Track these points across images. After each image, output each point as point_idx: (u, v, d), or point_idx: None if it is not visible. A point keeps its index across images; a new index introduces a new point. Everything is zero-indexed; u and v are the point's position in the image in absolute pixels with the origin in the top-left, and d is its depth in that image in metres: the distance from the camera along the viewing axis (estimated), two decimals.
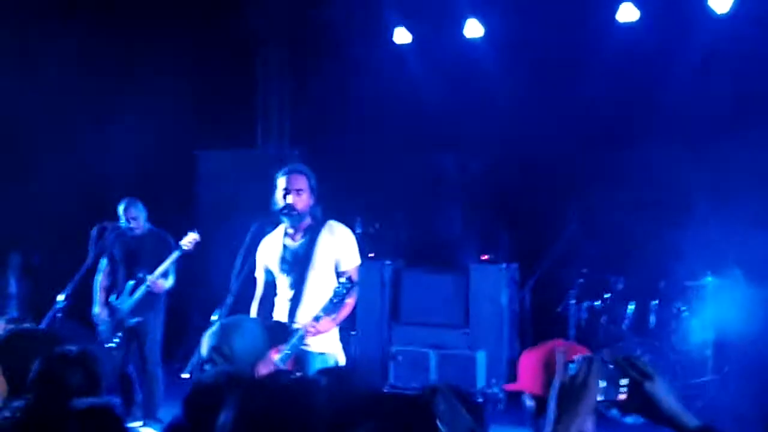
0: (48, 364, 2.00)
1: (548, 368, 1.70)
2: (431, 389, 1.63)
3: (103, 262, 5.17)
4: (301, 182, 3.62)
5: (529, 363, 1.81)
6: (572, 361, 1.62)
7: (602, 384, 1.62)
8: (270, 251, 3.73)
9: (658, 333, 5.57)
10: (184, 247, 4.94)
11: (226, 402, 1.03)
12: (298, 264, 3.63)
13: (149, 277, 4.92)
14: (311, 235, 3.64)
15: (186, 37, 7.07)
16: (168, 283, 5.10)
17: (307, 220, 3.67)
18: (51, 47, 6.97)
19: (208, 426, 1.38)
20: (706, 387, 5.41)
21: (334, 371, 1.58)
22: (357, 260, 3.69)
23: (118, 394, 5.13)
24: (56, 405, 1.58)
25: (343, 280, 3.49)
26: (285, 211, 3.61)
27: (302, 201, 3.62)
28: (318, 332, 3.47)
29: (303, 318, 3.54)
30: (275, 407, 1.00)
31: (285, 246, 3.69)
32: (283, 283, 3.68)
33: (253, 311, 3.73)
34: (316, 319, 3.44)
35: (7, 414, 1.49)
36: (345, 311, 3.57)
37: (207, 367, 2.38)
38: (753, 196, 5.58)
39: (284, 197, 3.63)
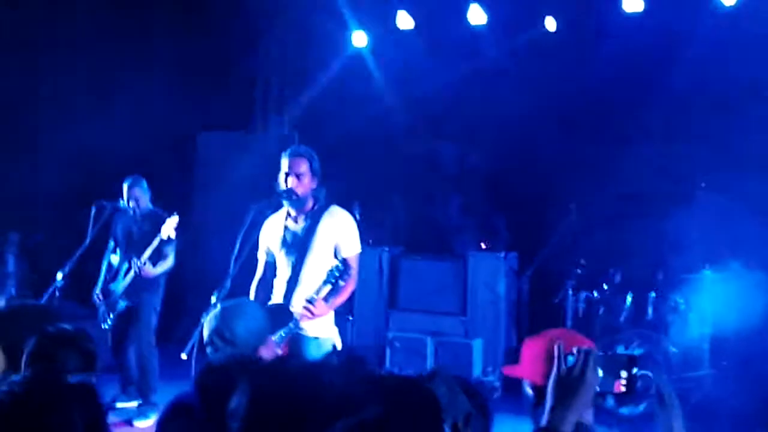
0: (42, 342, 1.99)
1: (549, 358, 1.69)
2: (430, 372, 1.63)
3: (111, 244, 5.16)
4: (303, 165, 3.59)
5: (532, 351, 1.80)
6: (571, 353, 1.62)
7: (600, 374, 1.61)
8: (272, 232, 3.71)
9: (656, 325, 5.57)
10: (165, 236, 4.88)
11: (238, 386, 1.01)
12: (297, 246, 3.62)
13: (136, 262, 4.88)
14: (313, 218, 3.62)
15: (187, 19, 7.02)
16: (164, 266, 5.06)
17: (310, 203, 3.65)
18: (54, 29, 6.92)
19: (219, 407, 1.37)
20: (703, 381, 5.41)
21: (344, 354, 1.57)
22: (357, 248, 3.67)
23: (115, 374, 5.13)
24: (51, 381, 1.57)
25: (336, 262, 3.47)
26: (285, 194, 3.59)
27: (303, 185, 3.60)
28: (314, 316, 3.45)
29: (298, 300, 3.53)
30: (289, 391, 0.99)
31: (286, 228, 3.68)
32: (282, 264, 3.67)
33: (252, 291, 3.72)
34: (310, 301, 3.42)
35: (4, 388, 1.49)
36: (341, 296, 3.56)
37: (208, 350, 2.38)
38: (754, 188, 5.57)
39: (285, 180, 3.60)
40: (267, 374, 1.04)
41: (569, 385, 1.54)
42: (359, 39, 7.27)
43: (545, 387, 1.64)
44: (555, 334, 1.82)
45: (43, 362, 1.93)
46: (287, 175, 3.59)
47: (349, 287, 3.58)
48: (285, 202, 3.63)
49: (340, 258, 3.58)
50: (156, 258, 5.01)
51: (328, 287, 3.48)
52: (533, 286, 6.32)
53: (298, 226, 3.63)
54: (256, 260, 3.77)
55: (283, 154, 3.64)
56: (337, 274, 3.45)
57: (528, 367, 1.80)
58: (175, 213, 5.01)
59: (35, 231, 7.43)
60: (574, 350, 1.60)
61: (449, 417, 1.50)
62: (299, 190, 3.59)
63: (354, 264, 3.61)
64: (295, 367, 1.08)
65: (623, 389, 1.65)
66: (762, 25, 5.83)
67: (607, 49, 6.31)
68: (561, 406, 1.53)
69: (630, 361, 1.67)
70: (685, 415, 5.86)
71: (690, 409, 5.31)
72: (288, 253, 3.64)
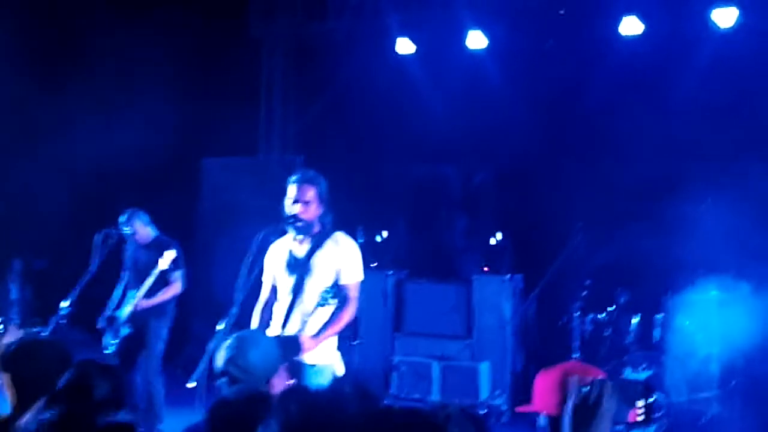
0: (81, 373, 1.98)
1: (563, 388, 1.70)
2: (445, 414, 1.61)
3: (124, 273, 5.17)
4: (310, 193, 3.57)
5: (545, 384, 1.80)
6: (586, 385, 1.61)
7: (615, 406, 1.60)
8: (277, 256, 3.70)
9: (663, 346, 5.54)
10: (162, 268, 4.90)
11: (265, 419, 1.01)
12: (298, 270, 3.60)
13: (132, 300, 4.90)
14: (316, 243, 3.61)
15: (190, 44, 7.09)
16: (170, 292, 5.05)
17: (316, 229, 3.63)
18: (59, 51, 6.99)
19: None
20: (712, 402, 5.37)
21: (353, 385, 1.56)
22: (359, 276, 3.62)
23: None
24: (84, 418, 1.56)
25: (328, 288, 3.43)
26: (291, 221, 3.58)
27: (309, 212, 3.58)
28: (305, 350, 3.41)
29: (293, 325, 3.50)
30: (314, 420, 0.99)
31: (291, 251, 3.66)
32: (283, 289, 3.65)
33: (256, 316, 3.69)
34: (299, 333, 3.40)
35: (33, 428, 1.46)
36: (335, 327, 3.50)
37: (222, 380, 2.36)
38: (760, 209, 5.58)
39: (291, 207, 3.60)
40: (292, 405, 1.03)
41: (586, 415, 1.53)
42: (360, 65, 7.35)
43: (560, 416, 1.64)
44: (567, 366, 1.82)
45: (78, 396, 1.91)
46: (294, 201, 3.58)
47: (345, 315, 3.52)
48: (290, 228, 3.62)
49: (339, 285, 3.54)
50: (160, 286, 5.00)
51: (321, 310, 3.45)
52: (539, 307, 6.29)
53: (302, 250, 3.63)
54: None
55: (289, 180, 3.63)
56: (328, 296, 3.41)
57: (541, 399, 1.79)
58: (173, 246, 5.01)
59: (39, 257, 7.43)
60: (589, 381, 1.59)
61: None
62: (305, 217, 3.57)
63: (353, 292, 3.56)
64: (318, 396, 1.07)
65: (640, 417, 1.63)
66: (758, 46, 5.89)
67: (608, 72, 6.37)
68: None
69: (646, 389, 1.66)
70: None
71: (699, 429, 5.26)
72: (289, 276, 3.63)
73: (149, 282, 4.91)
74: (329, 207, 3.64)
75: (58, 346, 2.27)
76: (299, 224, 3.57)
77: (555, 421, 1.72)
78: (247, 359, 2.35)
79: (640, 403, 1.66)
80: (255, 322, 3.67)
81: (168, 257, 4.88)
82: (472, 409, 1.75)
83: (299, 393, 1.17)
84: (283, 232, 3.71)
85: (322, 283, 3.53)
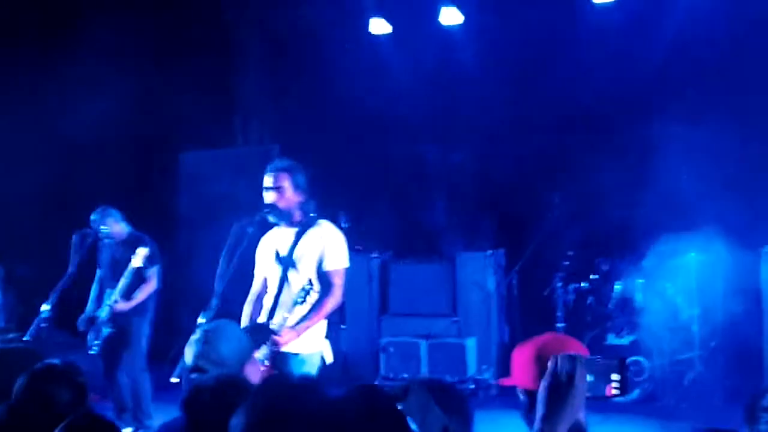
0: (31, 380, 1.96)
1: (540, 362, 1.71)
2: (404, 388, 1.63)
3: (99, 272, 5.15)
4: (282, 179, 3.57)
5: (521, 358, 1.82)
6: (557, 363, 1.63)
7: (590, 379, 1.62)
8: (266, 248, 3.71)
9: (645, 311, 5.63)
10: (135, 265, 4.88)
11: (237, 407, 1.03)
12: (284, 260, 3.60)
13: (107, 302, 4.89)
14: (299, 232, 3.61)
15: (162, 35, 7.00)
16: (146, 290, 5.01)
17: (297, 216, 3.63)
18: (26, 58, 6.88)
19: (209, 429, 1.36)
20: (694, 362, 5.48)
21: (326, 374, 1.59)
22: (343, 263, 3.62)
23: (109, 400, 5.10)
24: (45, 421, 1.56)
25: (311, 278, 3.44)
26: (267, 209, 3.58)
27: (285, 199, 3.58)
28: (281, 345, 3.41)
29: (278, 317, 3.50)
30: (287, 408, 1.00)
31: (278, 243, 3.67)
32: (272, 278, 3.67)
33: (247, 308, 3.69)
34: (276, 332, 3.41)
35: None
36: (316, 316, 3.50)
37: (193, 375, 2.36)
38: (735, 170, 5.65)
39: (266, 195, 3.60)
40: (265, 392, 1.05)
41: (558, 394, 1.55)
42: (335, 49, 7.30)
43: (534, 393, 1.67)
44: (543, 339, 1.83)
45: (35, 402, 1.90)
46: (267, 189, 3.59)
47: (327, 304, 3.52)
48: (269, 217, 3.63)
49: (322, 271, 3.55)
50: (138, 283, 4.99)
51: (300, 308, 3.46)
52: (522, 281, 6.36)
53: (288, 241, 3.63)
54: (244, 277, 3.76)
55: (265, 170, 3.64)
56: (304, 294, 3.42)
57: (519, 374, 1.81)
58: (146, 242, 4.99)
59: (20, 263, 7.36)
60: (559, 357, 1.62)
61: None
62: (281, 204, 3.57)
63: (337, 279, 3.56)
64: (291, 384, 1.09)
65: (616, 392, 1.66)
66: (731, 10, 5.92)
67: (582, 42, 6.38)
68: (551, 415, 1.54)
69: (621, 364, 1.68)
70: (678, 396, 5.94)
71: (683, 390, 5.38)
72: (276, 267, 3.64)
73: (124, 280, 4.89)
74: (309, 194, 3.63)
75: (33, 352, 2.25)
76: (275, 211, 3.57)
77: (533, 395, 1.75)
78: (218, 351, 2.34)
79: (615, 377, 1.68)
80: (245, 315, 3.68)
81: (140, 254, 4.86)
82: (437, 380, 1.77)
83: (272, 383, 1.19)
84: (262, 222, 3.71)
85: (306, 273, 3.54)
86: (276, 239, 3.68)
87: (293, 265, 3.57)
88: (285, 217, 3.61)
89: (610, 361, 1.67)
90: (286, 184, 3.58)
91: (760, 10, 5.79)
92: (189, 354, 2.41)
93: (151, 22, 6.94)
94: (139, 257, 4.86)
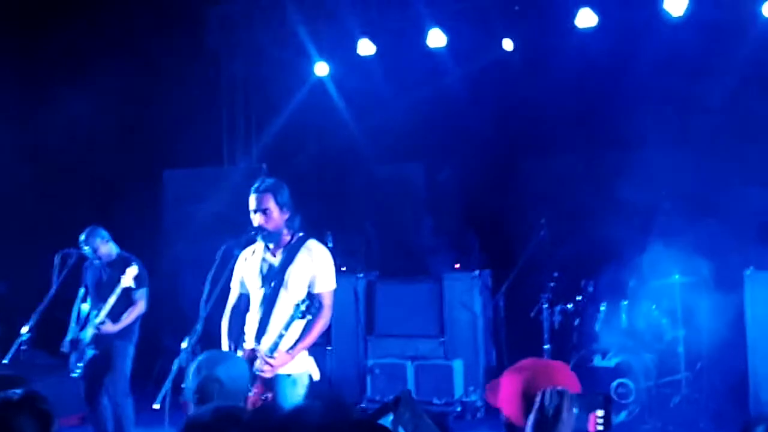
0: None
1: (526, 398, 1.71)
2: (395, 400, 1.63)
3: (81, 291, 5.07)
4: (267, 201, 3.57)
5: (509, 388, 1.81)
6: (544, 398, 1.62)
7: (575, 413, 1.62)
8: (248, 264, 3.69)
9: (630, 332, 5.64)
10: (125, 286, 4.82)
11: None
12: (272, 279, 3.59)
13: (94, 322, 4.83)
14: (290, 252, 3.61)
15: (147, 56, 7.00)
16: (135, 313, 4.95)
17: (285, 236, 3.63)
18: (10, 73, 6.84)
19: None
20: (680, 384, 5.48)
21: (326, 396, 1.57)
22: (332, 284, 3.64)
23: (90, 424, 5.01)
24: None
25: (301, 302, 3.43)
26: (256, 232, 3.57)
27: (273, 220, 3.58)
28: (275, 368, 3.42)
29: (269, 337, 3.50)
30: None
31: (264, 260, 3.66)
32: (255, 296, 3.64)
33: (225, 322, 3.67)
34: (272, 350, 3.41)
35: None
36: (308, 338, 3.52)
37: (194, 399, 2.34)
38: (717, 194, 5.71)
39: (254, 217, 3.59)
40: (256, 425, 1.03)
41: (546, 429, 1.55)
42: (321, 69, 7.33)
43: (519, 427, 1.66)
44: (534, 370, 1.81)
45: None
46: (254, 212, 3.58)
47: (318, 325, 3.54)
48: (258, 239, 3.60)
49: (312, 293, 3.55)
50: (125, 305, 4.92)
51: (299, 322, 3.46)
52: (509, 302, 6.36)
53: (276, 260, 3.62)
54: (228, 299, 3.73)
55: (250, 191, 3.63)
56: (303, 309, 3.42)
57: (505, 402, 1.80)
58: (134, 263, 4.93)
59: (1, 282, 7.25)
60: (546, 391, 1.61)
61: None
62: (269, 226, 3.57)
63: (327, 300, 3.58)
64: (282, 416, 1.07)
65: (600, 428, 1.66)
66: (707, 35, 6.02)
67: (566, 65, 6.45)
68: None
69: (606, 400, 1.68)
70: (665, 419, 5.95)
71: (669, 413, 5.38)
72: (262, 285, 3.62)
73: (112, 300, 4.82)
74: (294, 210, 3.63)
75: (11, 379, 2.19)
76: (264, 233, 3.56)
77: (512, 427, 1.74)
78: (223, 375, 2.34)
79: (600, 413, 1.68)
80: (224, 329, 3.66)
81: (130, 274, 4.80)
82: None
83: (265, 412, 1.17)
84: (249, 244, 3.69)
85: (296, 295, 3.54)
86: (259, 257, 3.66)
87: (284, 286, 3.56)
88: (274, 238, 3.60)
89: (594, 397, 1.67)
90: (272, 204, 3.58)
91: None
92: (191, 380, 2.40)
93: (139, 41, 6.94)
94: (128, 277, 4.80)
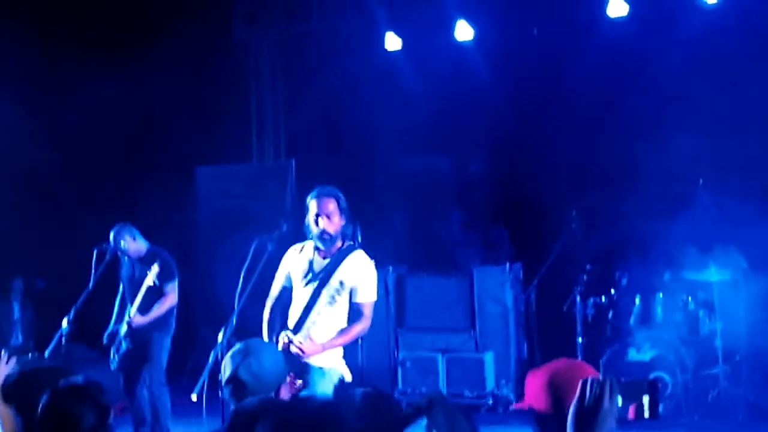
0: (55, 398, 1.95)
1: (552, 388, 1.70)
2: (428, 402, 1.62)
3: (121, 287, 5.18)
4: (331, 205, 3.61)
5: (534, 384, 1.80)
6: (583, 387, 1.59)
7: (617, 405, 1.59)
8: (297, 261, 3.73)
9: (666, 326, 5.55)
10: (149, 283, 4.89)
11: (260, 423, 1.02)
12: (317, 282, 3.64)
13: (126, 318, 4.91)
14: (337, 259, 3.65)
15: (177, 53, 7.07)
16: (165, 305, 4.99)
17: (338, 242, 3.68)
18: (50, 70, 6.98)
19: None
20: (718, 377, 5.38)
21: (369, 391, 1.58)
22: (372, 296, 3.70)
23: (129, 414, 5.11)
24: None
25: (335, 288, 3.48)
26: (318, 236, 3.60)
27: (334, 224, 3.62)
28: (304, 354, 3.47)
29: (304, 335, 3.56)
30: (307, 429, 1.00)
31: (312, 261, 3.70)
32: (299, 295, 3.69)
33: (267, 312, 3.72)
34: (304, 338, 3.47)
35: None
36: (344, 338, 3.61)
37: (228, 389, 2.38)
38: (753, 185, 5.58)
39: (316, 222, 3.62)
40: (289, 414, 1.04)
41: (588, 418, 1.52)
42: (350, 62, 7.34)
43: (548, 418, 1.65)
44: (556, 365, 1.81)
45: (58, 420, 1.89)
46: (317, 216, 3.60)
47: (355, 330, 3.61)
48: (319, 244, 3.64)
49: (354, 302, 3.62)
50: (155, 298, 4.99)
51: (326, 310, 3.54)
52: (540, 295, 6.30)
53: (323, 262, 3.67)
54: (264, 294, 3.76)
55: (309, 197, 3.66)
56: (333, 294, 3.51)
57: (532, 400, 1.80)
58: (163, 257, 4.99)
59: (40, 277, 7.43)
60: (588, 381, 1.58)
61: None
62: (331, 230, 3.60)
63: (367, 311, 3.64)
64: (317, 406, 1.08)
65: (646, 415, 1.62)
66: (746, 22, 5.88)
67: (597, 55, 6.36)
68: None
69: (651, 386, 1.65)
70: (702, 412, 5.83)
71: (706, 407, 5.28)
72: (306, 285, 3.67)
73: (140, 296, 4.90)
74: (349, 218, 3.67)
75: (61, 370, 2.25)
76: (327, 237, 3.60)
77: (543, 421, 1.73)
78: (260, 365, 2.39)
79: (645, 399, 1.64)
80: (266, 319, 3.71)
81: (152, 273, 4.87)
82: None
83: (300, 402, 1.18)
84: (280, 240, 3.74)
85: (336, 299, 3.62)
86: (310, 257, 3.70)
87: (326, 288, 3.62)
88: (333, 242, 3.64)
89: (638, 383, 1.63)
90: (334, 208, 3.61)
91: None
92: (229, 364, 2.45)
93: (166, 39, 7.02)
94: (151, 276, 4.88)
